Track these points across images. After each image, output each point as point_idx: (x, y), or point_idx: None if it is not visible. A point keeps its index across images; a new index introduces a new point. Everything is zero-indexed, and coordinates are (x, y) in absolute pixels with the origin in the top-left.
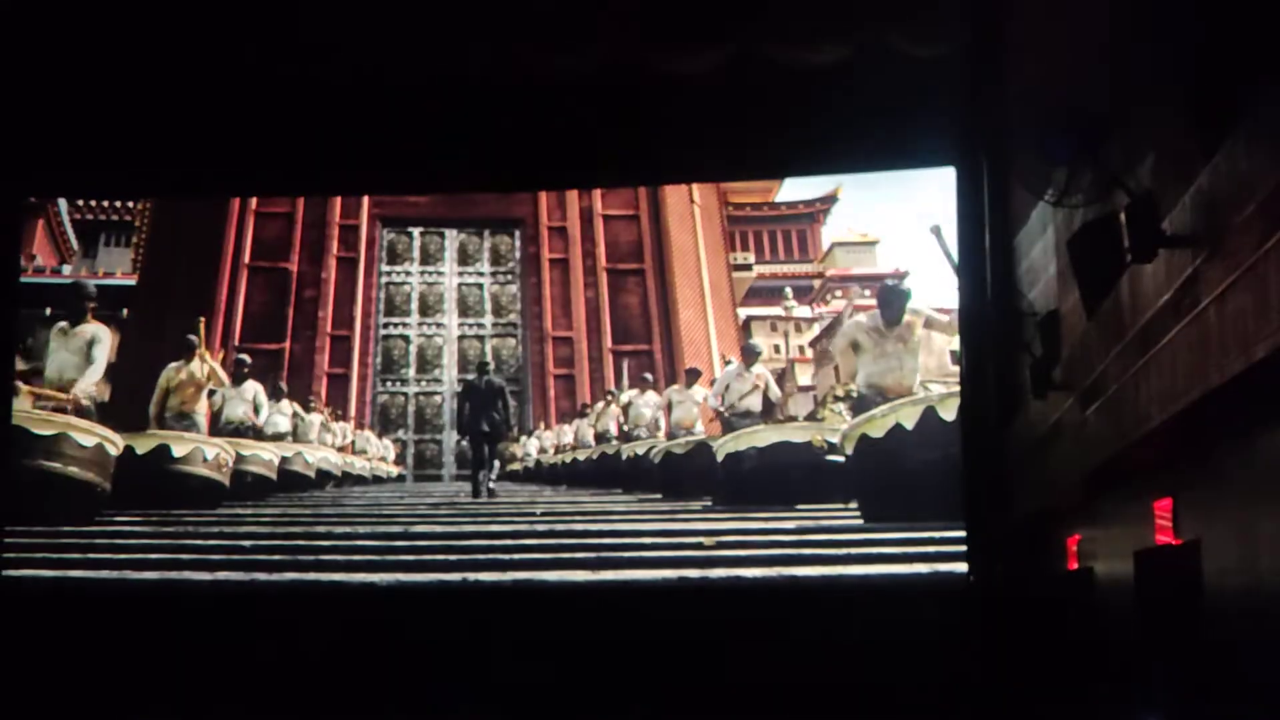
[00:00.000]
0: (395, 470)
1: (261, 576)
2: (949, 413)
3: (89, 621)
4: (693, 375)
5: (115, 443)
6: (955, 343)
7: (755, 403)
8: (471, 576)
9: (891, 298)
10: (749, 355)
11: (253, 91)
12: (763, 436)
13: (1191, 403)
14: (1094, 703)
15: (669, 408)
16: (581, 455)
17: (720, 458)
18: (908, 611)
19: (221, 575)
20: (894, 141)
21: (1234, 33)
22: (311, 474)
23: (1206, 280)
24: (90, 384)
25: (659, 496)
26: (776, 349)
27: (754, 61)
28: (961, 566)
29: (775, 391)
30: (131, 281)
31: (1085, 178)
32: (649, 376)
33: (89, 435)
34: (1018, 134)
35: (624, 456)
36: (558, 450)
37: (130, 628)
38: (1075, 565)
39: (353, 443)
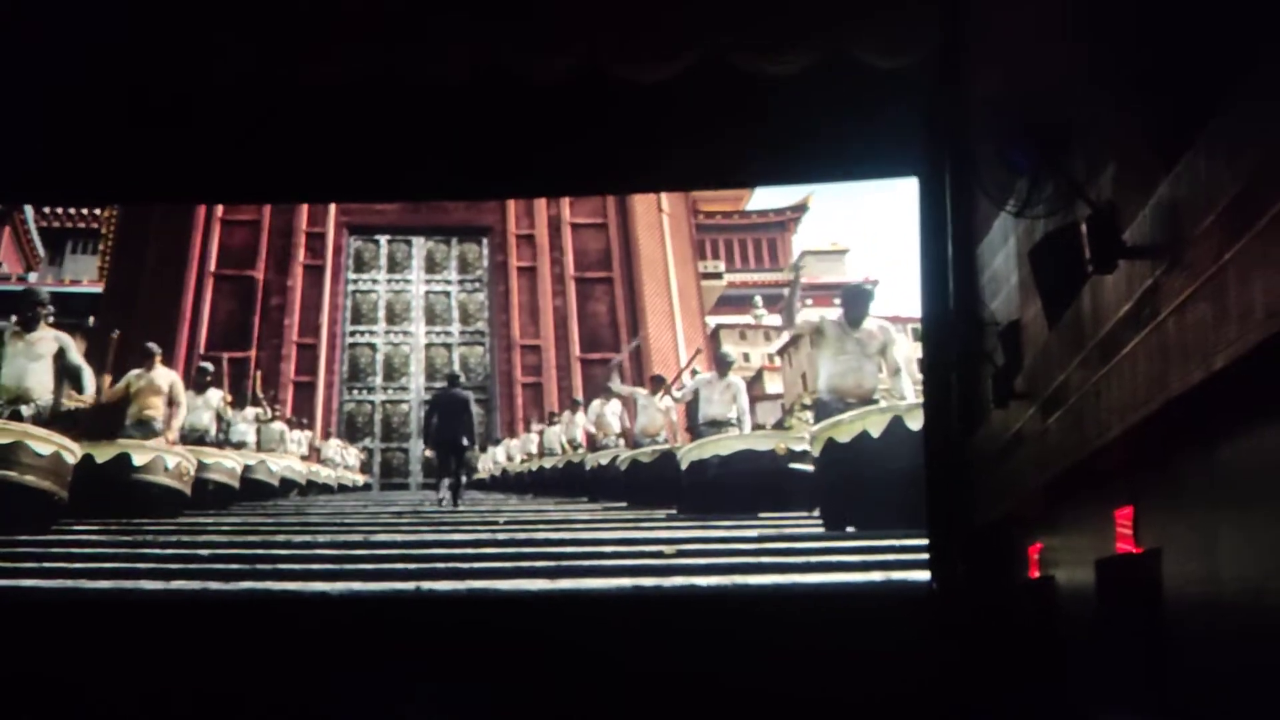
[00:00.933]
0: (361, 479)
1: (215, 585)
2: (915, 422)
3: (40, 631)
4: (657, 383)
5: (73, 451)
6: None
7: (728, 412)
8: (426, 585)
9: (856, 297)
10: (721, 365)
11: (220, 98)
12: (726, 444)
13: (1152, 412)
14: (1056, 709)
15: (634, 413)
16: (548, 463)
17: (684, 465)
18: (870, 619)
19: (176, 584)
20: (857, 151)
21: (1194, 45)
22: (275, 482)
23: (1167, 290)
24: (92, 391)
25: (624, 505)
26: (746, 357)
27: (718, 71)
28: (924, 574)
29: (744, 403)
30: (98, 289)
31: (1047, 188)
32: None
33: (45, 444)
34: (980, 144)
35: (589, 466)
36: (525, 459)
37: (82, 637)
38: (1037, 573)
39: (318, 451)
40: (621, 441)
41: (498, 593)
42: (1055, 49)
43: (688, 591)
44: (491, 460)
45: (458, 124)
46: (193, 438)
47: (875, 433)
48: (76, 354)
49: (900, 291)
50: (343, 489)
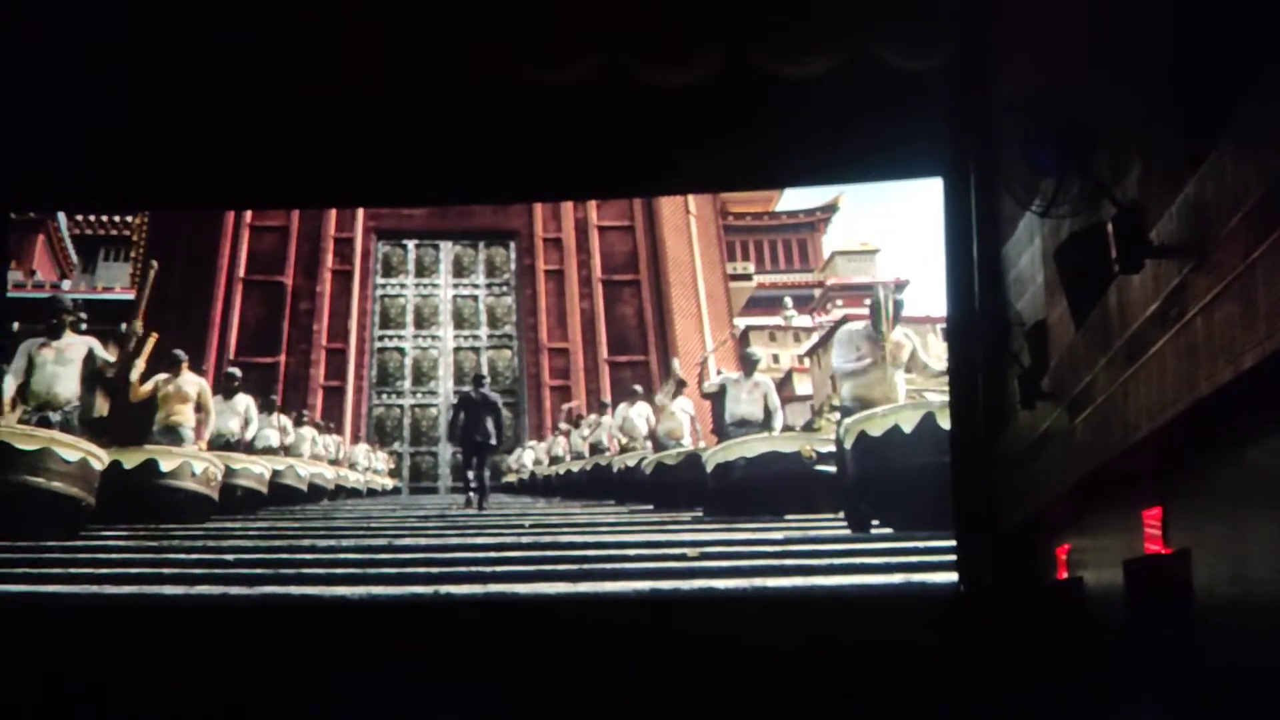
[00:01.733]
0: (390, 483)
1: (236, 590)
2: (946, 420)
3: (64, 635)
4: (680, 386)
5: (100, 457)
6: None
7: (756, 411)
8: (445, 589)
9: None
10: (747, 364)
11: (247, 105)
12: (752, 446)
13: (1180, 412)
14: (1083, 710)
15: (659, 416)
16: (575, 466)
17: (710, 468)
18: (898, 621)
19: (199, 589)
20: (882, 152)
21: (1220, 45)
22: (304, 487)
23: (1194, 290)
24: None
25: (650, 508)
26: (775, 359)
27: (744, 73)
28: (951, 576)
29: (775, 400)
30: (129, 295)
31: (1072, 188)
32: (639, 388)
33: (73, 450)
34: (1005, 145)
35: (615, 469)
36: (552, 461)
37: (105, 641)
38: (1065, 574)
39: (346, 456)
40: (649, 444)
41: (517, 596)
42: (1080, 49)
43: (711, 594)
44: (518, 463)
45: (486, 129)
46: (220, 443)
47: (907, 428)
48: (106, 355)
49: (934, 291)
50: (371, 493)
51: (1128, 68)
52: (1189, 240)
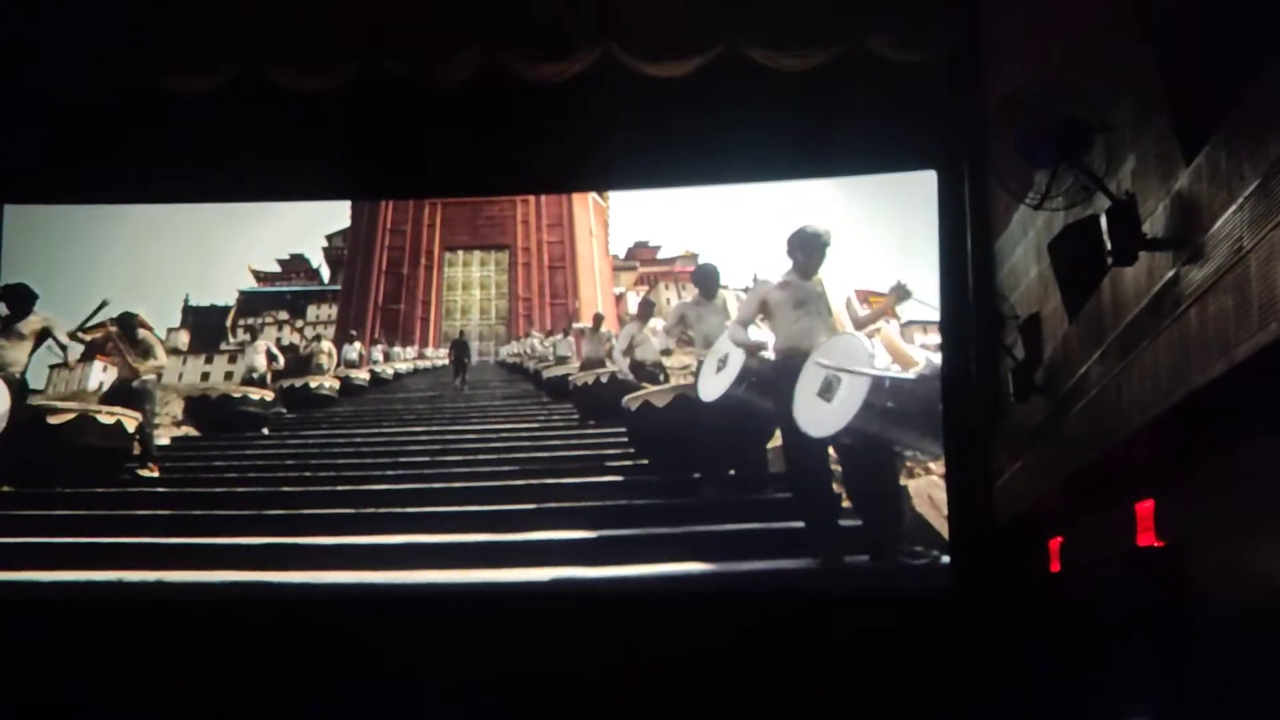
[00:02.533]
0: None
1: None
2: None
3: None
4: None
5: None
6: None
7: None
8: None
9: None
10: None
11: (237, 100)
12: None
13: (1173, 405)
14: (1077, 705)
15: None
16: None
17: None
18: (890, 614)
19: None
20: (876, 146)
21: (1215, 36)
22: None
23: (1187, 282)
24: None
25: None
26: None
27: (737, 66)
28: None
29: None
30: None
31: (1066, 181)
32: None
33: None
34: (999, 137)
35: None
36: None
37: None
38: (1058, 567)
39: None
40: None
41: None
42: (1074, 41)
43: (701, 590)
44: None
45: (471, 123)
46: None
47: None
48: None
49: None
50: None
51: (1122, 59)
52: (1183, 232)
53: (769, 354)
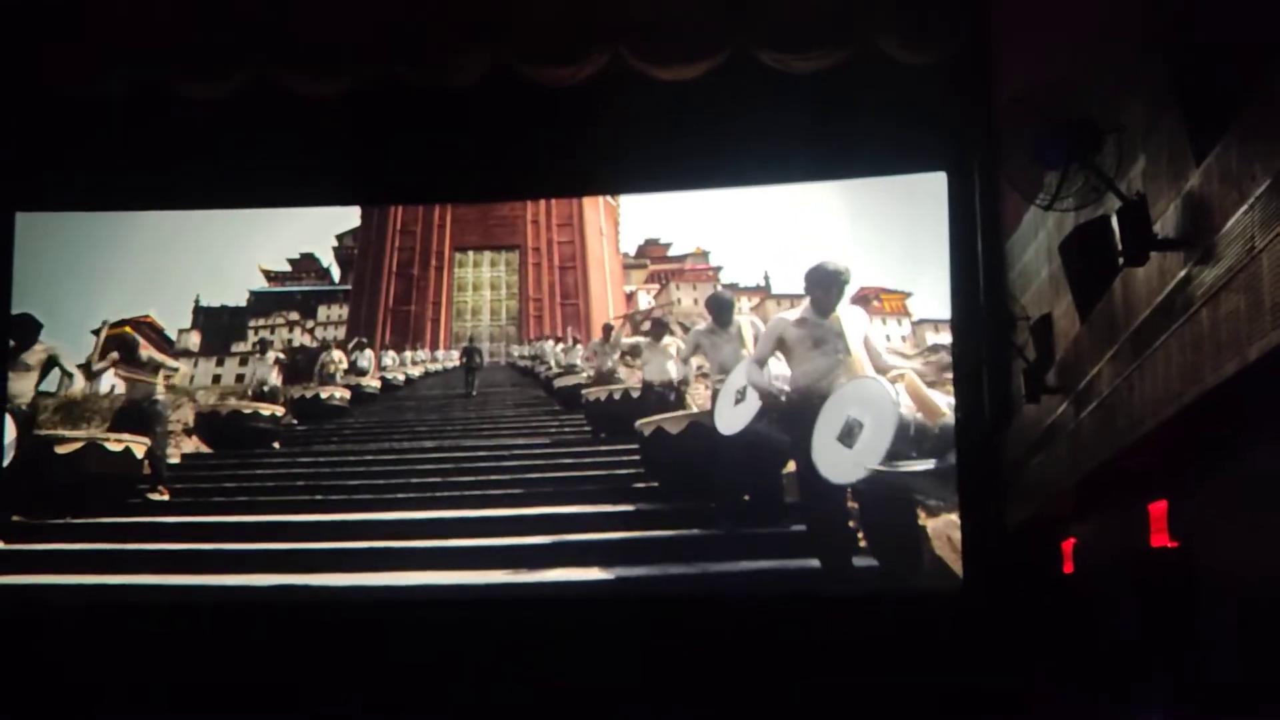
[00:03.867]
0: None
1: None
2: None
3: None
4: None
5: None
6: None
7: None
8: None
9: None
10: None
11: (248, 105)
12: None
13: (1185, 405)
14: (1089, 705)
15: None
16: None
17: None
18: (902, 616)
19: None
20: (886, 147)
21: (1225, 37)
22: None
23: (1199, 282)
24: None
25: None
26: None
27: (747, 69)
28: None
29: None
30: None
31: (1077, 181)
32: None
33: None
34: (1009, 138)
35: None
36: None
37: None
38: (1071, 569)
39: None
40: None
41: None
42: (1084, 41)
43: (711, 591)
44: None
45: (482, 127)
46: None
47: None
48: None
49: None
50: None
51: (1132, 59)
52: (1194, 232)
53: (784, 386)
